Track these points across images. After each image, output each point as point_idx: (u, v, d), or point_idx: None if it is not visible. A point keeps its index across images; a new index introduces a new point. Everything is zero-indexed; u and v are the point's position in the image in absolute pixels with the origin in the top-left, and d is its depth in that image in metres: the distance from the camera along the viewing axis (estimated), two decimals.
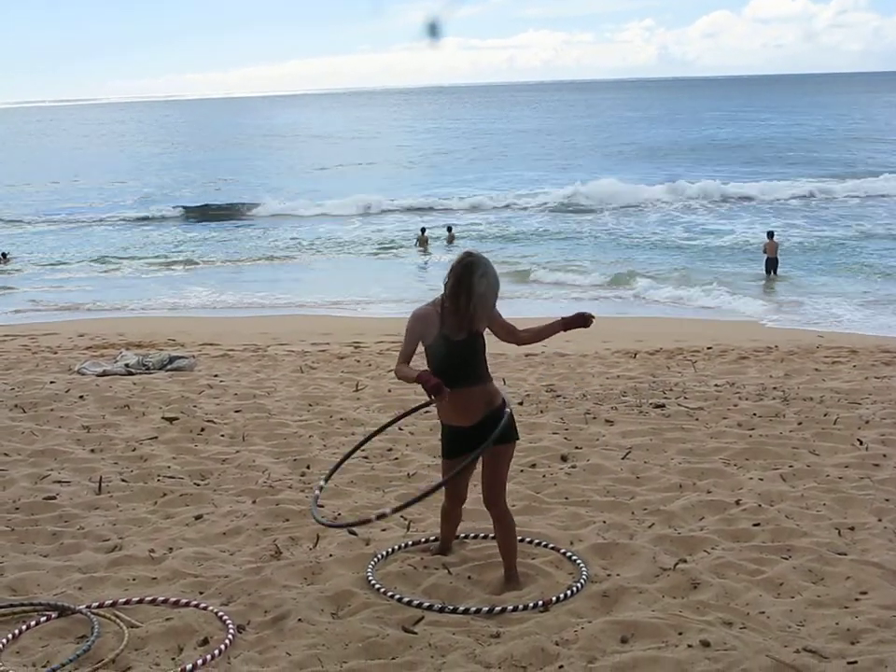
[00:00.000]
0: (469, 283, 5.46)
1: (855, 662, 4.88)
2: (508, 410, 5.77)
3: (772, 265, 24.62)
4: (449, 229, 29.82)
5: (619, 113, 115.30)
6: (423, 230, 29.85)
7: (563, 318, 5.93)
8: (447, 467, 5.99)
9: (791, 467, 8.19)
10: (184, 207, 41.33)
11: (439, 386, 5.46)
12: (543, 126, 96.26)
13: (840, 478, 7.90)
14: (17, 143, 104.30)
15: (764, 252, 25.02)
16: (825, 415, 9.84)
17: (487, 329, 5.83)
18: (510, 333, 5.90)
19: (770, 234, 25.32)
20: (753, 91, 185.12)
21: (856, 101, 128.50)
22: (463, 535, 6.66)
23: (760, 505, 7.24)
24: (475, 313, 5.52)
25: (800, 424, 9.54)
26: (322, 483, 6.23)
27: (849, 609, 5.56)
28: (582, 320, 5.91)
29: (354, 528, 6.75)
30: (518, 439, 6.01)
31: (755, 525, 6.88)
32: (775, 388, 11.31)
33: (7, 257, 29.71)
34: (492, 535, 6.36)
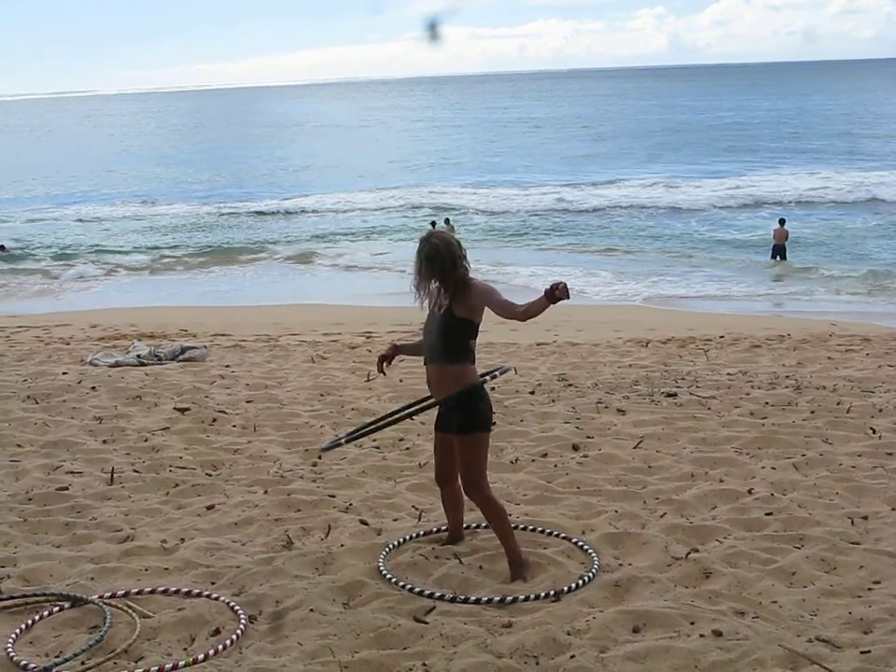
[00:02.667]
0: (415, 262, 5.88)
1: (868, 651, 4.87)
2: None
3: (779, 252, 24.88)
4: (447, 221, 29.78)
5: (659, 101, 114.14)
6: (433, 223, 29.80)
7: (545, 291, 5.61)
8: (434, 438, 6.23)
9: (803, 456, 8.16)
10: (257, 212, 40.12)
11: (379, 359, 6.22)
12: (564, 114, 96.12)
13: (853, 467, 7.87)
14: (41, 134, 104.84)
15: (774, 238, 25.21)
16: (838, 404, 9.80)
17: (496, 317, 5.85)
18: (506, 310, 5.80)
19: (782, 221, 25.52)
20: (768, 78, 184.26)
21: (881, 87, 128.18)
22: (475, 525, 6.65)
23: (772, 494, 7.22)
24: (418, 286, 5.86)
25: (813, 412, 9.50)
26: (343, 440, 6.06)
27: (862, 599, 5.54)
28: (552, 293, 5.49)
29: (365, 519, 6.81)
30: (483, 431, 5.88)
31: (767, 514, 6.85)
32: (787, 377, 11.27)
33: (7, 248, 30.00)
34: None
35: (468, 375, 5.86)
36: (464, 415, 5.83)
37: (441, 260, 5.75)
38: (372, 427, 6.08)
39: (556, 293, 5.48)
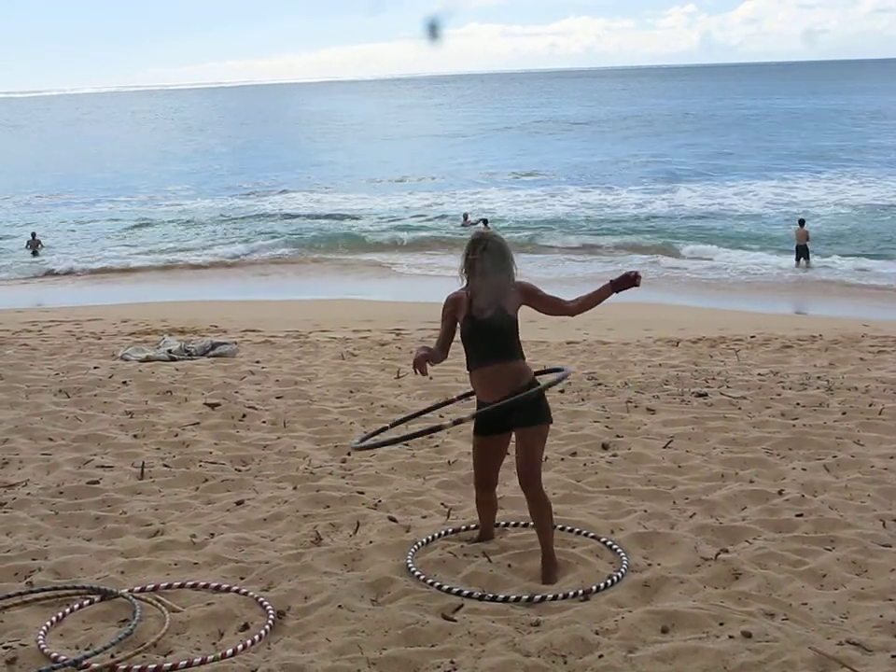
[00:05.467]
0: (472, 260, 5.75)
1: None
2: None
3: (802, 253, 24.87)
4: (485, 222, 29.57)
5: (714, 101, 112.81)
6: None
7: (611, 280, 5.81)
8: (476, 443, 6.13)
9: (834, 457, 8.09)
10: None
11: (418, 360, 5.87)
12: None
13: (885, 469, 7.79)
14: (85, 129, 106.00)
15: (796, 239, 25.27)
16: (870, 405, 9.72)
17: (532, 311, 5.87)
18: (554, 306, 5.83)
19: (801, 222, 25.63)
20: (808, 76, 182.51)
21: None
22: (503, 523, 6.64)
23: (803, 495, 7.16)
24: (479, 288, 5.77)
25: (844, 414, 9.42)
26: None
27: (894, 602, 5.47)
28: (629, 280, 5.74)
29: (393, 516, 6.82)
30: (548, 422, 5.97)
31: (798, 515, 6.80)
32: (819, 378, 11.19)
33: (36, 237, 30.56)
34: (532, 523, 6.34)
35: (527, 370, 5.92)
36: (532, 408, 5.81)
37: (507, 257, 5.75)
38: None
39: (637, 282, 5.65)
